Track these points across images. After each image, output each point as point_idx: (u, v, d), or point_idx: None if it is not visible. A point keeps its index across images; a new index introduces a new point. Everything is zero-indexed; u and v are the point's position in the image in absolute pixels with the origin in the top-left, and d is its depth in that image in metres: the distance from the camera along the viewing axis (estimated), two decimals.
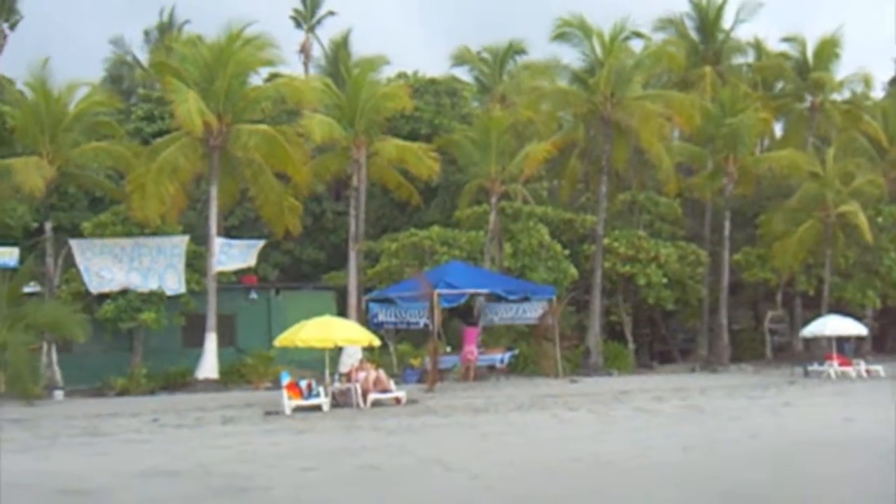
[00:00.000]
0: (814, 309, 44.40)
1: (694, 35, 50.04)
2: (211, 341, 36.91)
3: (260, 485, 14.86)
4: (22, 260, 37.33)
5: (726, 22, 50.13)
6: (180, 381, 36.42)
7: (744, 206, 47.55)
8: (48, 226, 38.52)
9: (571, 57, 43.05)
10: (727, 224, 44.05)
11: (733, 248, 44.90)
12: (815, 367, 37.62)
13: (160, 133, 41.88)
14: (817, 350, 40.63)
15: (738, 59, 51.77)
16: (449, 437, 20.50)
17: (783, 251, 43.36)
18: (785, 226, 44.07)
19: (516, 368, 38.16)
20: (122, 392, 35.16)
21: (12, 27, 59.81)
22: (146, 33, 63.05)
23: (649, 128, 41.11)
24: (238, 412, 26.48)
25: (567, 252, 41.69)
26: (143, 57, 61.61)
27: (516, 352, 38.14)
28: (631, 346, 43.64)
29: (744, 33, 50.93)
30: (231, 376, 36.81)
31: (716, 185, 44.67)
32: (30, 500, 14.52)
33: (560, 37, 42.17)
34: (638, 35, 43.58)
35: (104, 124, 41.06)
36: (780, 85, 51.68)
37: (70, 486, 15.22)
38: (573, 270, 41.25)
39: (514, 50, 54.22)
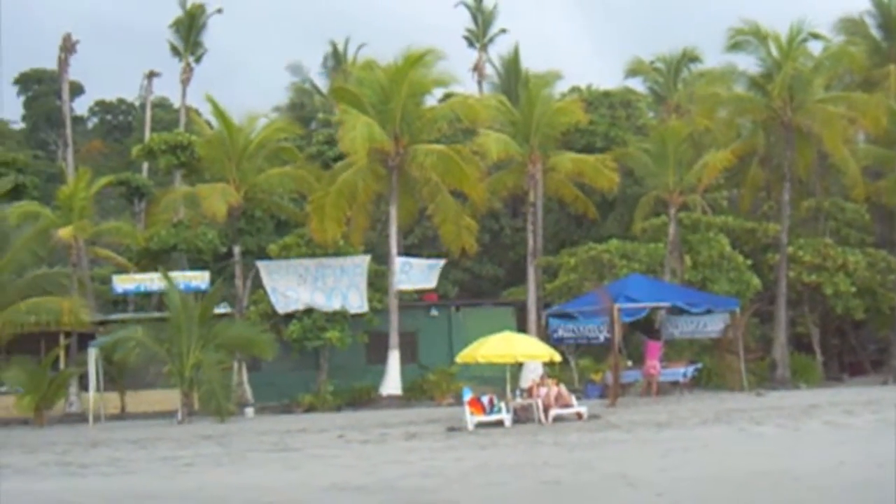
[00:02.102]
0: None
1: (875, 33, 48.16)
2: (394, 358, 37.57)
3: (445, 499, 15.04)
4: (212, 282, 38.92)
5: None
6: (365, 397, 37.24)
7: None
8: (236, 249, 40.00)
9: (747, 62, 42.08)
10: None
11: None
12: None
13: (341, 157, 42.93)
14: None
15: None
16: (632, 453, 20.26)
17: None
18: None
19: (700, 382, 37.42)
20: (310, 409, 36.24)
21: (197, 60, 62.74)
22: (325, 59, 65.05)
23: (832, 131, 39.75)
24: (421, 428, 26.87)
25: (749, 262, 40.72)
26: (323, 83, 63.51)
27: (700, 365, 37.41)
28: (819, 357, 42.20)
29: None
30: (414, 392, 37.41)
31: None
32: None
33: (735, 46, 41.23)
34: (816, 37, 42.19)
35: (286, 150, 42.42)
36: None
37: (262, 500, 15.77)
38: (756, 281, 40.26)
39: (689, 58, 53.47)
